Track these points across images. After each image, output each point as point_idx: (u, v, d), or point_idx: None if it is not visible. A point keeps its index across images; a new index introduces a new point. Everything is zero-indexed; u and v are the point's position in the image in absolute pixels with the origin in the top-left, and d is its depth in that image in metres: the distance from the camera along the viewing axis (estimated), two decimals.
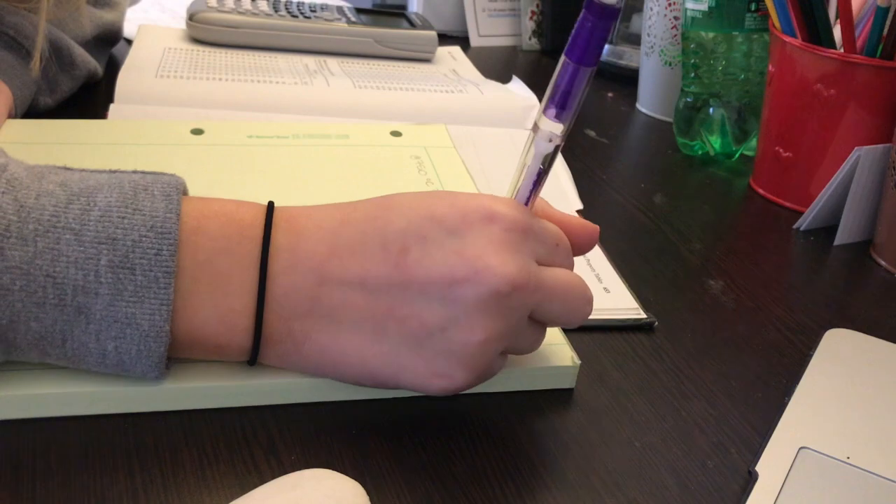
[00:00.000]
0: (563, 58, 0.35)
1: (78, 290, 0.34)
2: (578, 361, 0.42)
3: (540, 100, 0.75)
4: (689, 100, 0.70)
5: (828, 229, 0.60)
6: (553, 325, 0.39)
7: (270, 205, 0.38)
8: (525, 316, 0.37)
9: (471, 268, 0.35)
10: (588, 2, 0.33)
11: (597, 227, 0.41)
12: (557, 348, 0.42)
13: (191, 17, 0.77)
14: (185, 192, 0.37)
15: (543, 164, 0.37)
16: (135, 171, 0.37)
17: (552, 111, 0.36)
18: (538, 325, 0.39)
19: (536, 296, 0.37)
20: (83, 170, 0.37)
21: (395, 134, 0.61)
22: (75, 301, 0.34)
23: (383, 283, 0.36)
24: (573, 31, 0.34)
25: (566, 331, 0.44)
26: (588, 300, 0.38)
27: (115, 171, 0.37)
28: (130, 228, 0.34)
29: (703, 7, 0.67)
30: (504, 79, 0.81)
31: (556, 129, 0.36)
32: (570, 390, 0.42)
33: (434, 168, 0.57)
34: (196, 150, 0.56)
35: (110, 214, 0.34)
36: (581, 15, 0.34)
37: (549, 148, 0.37)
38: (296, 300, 0.36)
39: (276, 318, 0.36)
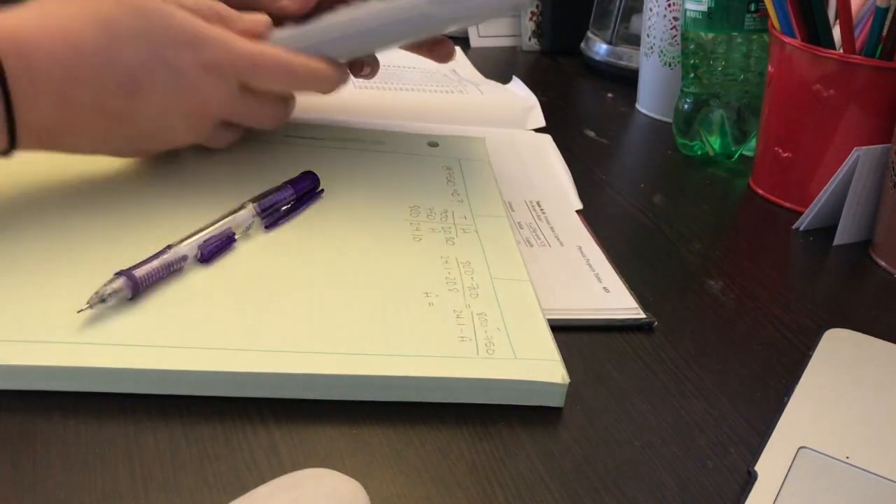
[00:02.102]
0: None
1: None
2: (568, 380, 0.40)
3: (539, 100, 0.75)
4: (688, 100, 0.70)
5: (827, 229, 0.61)
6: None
7: None
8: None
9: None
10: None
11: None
12: (549, 364, 0.41)
13: None
14: None
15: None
16: None
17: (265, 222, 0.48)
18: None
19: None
20: None
21: (433, 144, 0.61)
22: None
23: (116, 109, 0.45)
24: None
25: (559, 341, 0.43)
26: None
27: None
28: None
29: (703, 8, 0.67)
30: (504, 79, 0.81)
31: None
32: (569, 391, 0.41)
33: (463, 179, 0.57)
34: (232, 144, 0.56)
35: None
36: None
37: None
38: (40, 119, 0.44)
39: (27, 131, 0.44)
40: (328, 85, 0.52)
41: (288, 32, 0.51)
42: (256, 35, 0.50)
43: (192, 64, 0.46)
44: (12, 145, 0.44)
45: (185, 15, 0.47)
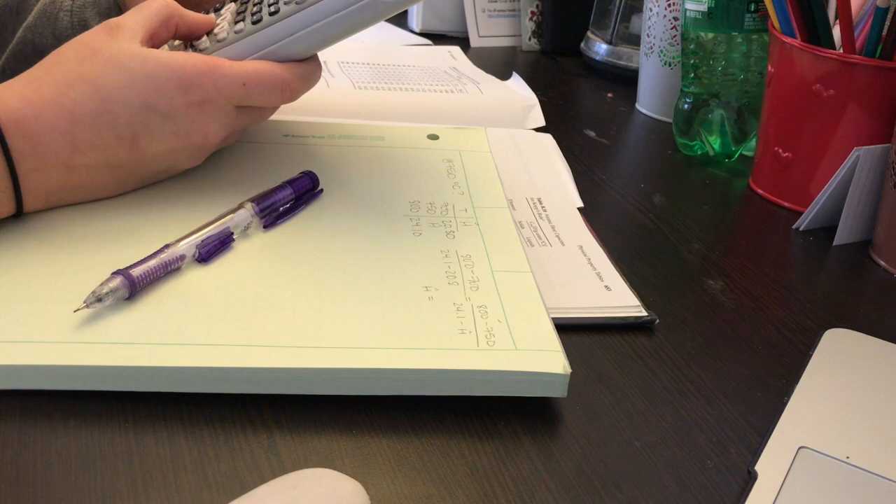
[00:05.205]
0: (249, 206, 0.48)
1: None
2: (569, 370, 0.40)
3: (539, 99, 0.75)
4: (688, 100, 0.70)
5: (827, 229, 0.61)
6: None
7: None
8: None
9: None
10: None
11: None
12: (550, 355, 0.41)
13: None
14: None
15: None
16: None
17: (264, 221, 0.48)
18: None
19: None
20: None
21: (433, 137, 0.61)
22: None
23: (121, 161, 0.47)
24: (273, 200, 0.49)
25: (562, 338, 0.44)
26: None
27: None
28: None
29: (703, 7, 0.67)
30: (504, 79, 0.81)
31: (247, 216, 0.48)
32: (569, 391, 0.41)
33: (464, 171, 0.57)
34: (232, 147, 0.56)
35: None
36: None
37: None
38: (48, 186, 0.46)
39: (34, 198, 0.46)
40: (314, 82, 0.52)
41: (255, 37, 0.49)
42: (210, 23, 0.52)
43: (183, 107, 0.47)
44: (20, 211, 0.46)
45: (162, 57, 0.46)
